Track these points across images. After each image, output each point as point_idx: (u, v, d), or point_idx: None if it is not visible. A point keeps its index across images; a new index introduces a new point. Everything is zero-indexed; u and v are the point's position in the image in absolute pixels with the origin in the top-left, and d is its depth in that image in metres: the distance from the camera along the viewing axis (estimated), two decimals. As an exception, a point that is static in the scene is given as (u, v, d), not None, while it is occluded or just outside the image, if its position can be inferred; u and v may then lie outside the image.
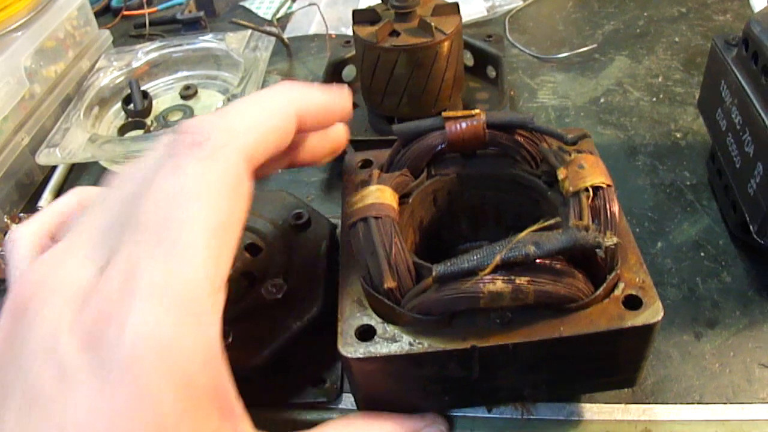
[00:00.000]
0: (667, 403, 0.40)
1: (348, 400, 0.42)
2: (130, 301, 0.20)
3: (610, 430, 0.39)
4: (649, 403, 0.40)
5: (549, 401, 0.37)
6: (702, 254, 0.49)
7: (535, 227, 0.30)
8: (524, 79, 0.69)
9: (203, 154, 0.24)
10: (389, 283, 0.30)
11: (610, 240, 0.30)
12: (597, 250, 0.30)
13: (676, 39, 0.73)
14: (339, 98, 0.31)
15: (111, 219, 0.24)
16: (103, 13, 1.00)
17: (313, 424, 0.33)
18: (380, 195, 0.34)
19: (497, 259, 0.28)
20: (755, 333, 0.44)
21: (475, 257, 0.29)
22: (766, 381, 0.41)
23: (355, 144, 0.46)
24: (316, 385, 0.42)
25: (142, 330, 0.19)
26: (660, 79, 0.67)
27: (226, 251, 0.23)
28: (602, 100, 0.65)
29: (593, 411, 0.40)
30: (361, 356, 0.30)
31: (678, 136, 0.60)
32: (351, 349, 0.31)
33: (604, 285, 0.31)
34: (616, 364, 0.33)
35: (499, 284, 0.29)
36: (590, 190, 0.33)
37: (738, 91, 0.47)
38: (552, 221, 0.30)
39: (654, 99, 0.65)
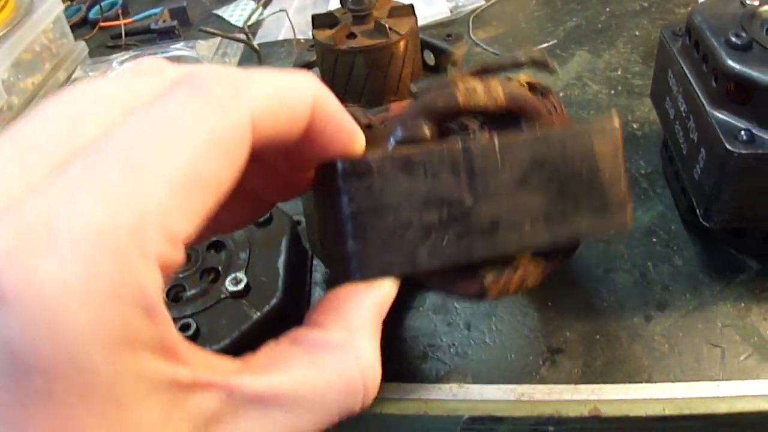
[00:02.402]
0: (616, 383, 0.42)
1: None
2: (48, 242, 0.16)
3: (560, 410, 0.40)
4: (598, 383, 0.42)
5: (551, 243, 0.32)
6: (654, 240, 0.51)
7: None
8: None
9: (206, 99, 0.19)
10: None
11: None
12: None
13: (637, 33, 0.75)
14: (353, 124, 0.26)
15: (67, 131, 0.19)
16: (81, 25, 1.01)
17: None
18: None
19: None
20: (705, 314, 0.45)
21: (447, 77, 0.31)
22: (714, 359, 0.43)
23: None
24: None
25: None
26: (619, 72, 0.69)
27: (193, 208, 0.19)
28: (561, 94, 0.66)
29: (544, 392, 0.41)
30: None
31: (635, 126, 0.61)
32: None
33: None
34: (601, 187, 0.33)
35: (471, 81, 0.31)
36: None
37: (683, 79, 0.49)
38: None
39: (612, 92, 0.66)
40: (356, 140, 0.26)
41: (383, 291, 0.26)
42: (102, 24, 0.97)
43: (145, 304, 0.16)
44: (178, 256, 0.18)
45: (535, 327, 0.46)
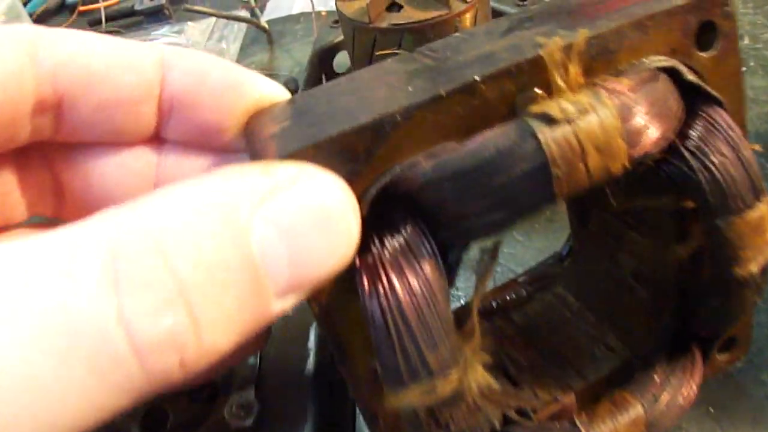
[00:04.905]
0: None
1: None
2: None
3: None
4: None
5: None
6: None
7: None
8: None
9: None
10: None
11: None
12: None
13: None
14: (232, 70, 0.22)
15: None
16: (59, 11, 0.86)
17: None
18: None
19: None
20: None
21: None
22: None
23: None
24: None
25: None
26: (746, 41, 0.51)
27: None
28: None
29: None
30: None
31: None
32: None
33: None
34: None
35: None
36: None
37: None
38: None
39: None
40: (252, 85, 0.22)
41: None
42: (81, 9, 0.82)
43: None
44: None
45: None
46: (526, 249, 0.37)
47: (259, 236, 0.16)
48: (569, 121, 0.18)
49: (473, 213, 0.19)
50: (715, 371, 0.30)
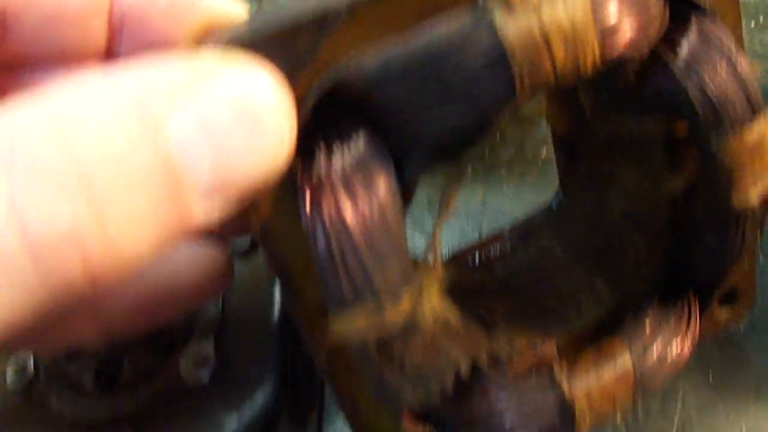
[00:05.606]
0: None
1: None
2: None
3: None
4: None
5: None
6: None
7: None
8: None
9: None
10: None
11: None
12: None
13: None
14: None
15: None
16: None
17: None
18: None
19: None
20: None
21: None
22: None
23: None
24: None
25: None
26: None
27: None
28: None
29: None
30: None
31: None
32: None
33: None
34: None
35: None
36: None
37: None
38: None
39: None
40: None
41: None
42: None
43: None
44: None
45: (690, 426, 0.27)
46: (514, 203, 0.35)
47: (177, 131, 0.14)
48: (533, 9, 0.16)
49: (425, 115, 0.17)
50: (715, 329, 0.27)
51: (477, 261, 0.29)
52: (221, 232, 0.24)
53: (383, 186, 0.17)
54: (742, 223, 0.21)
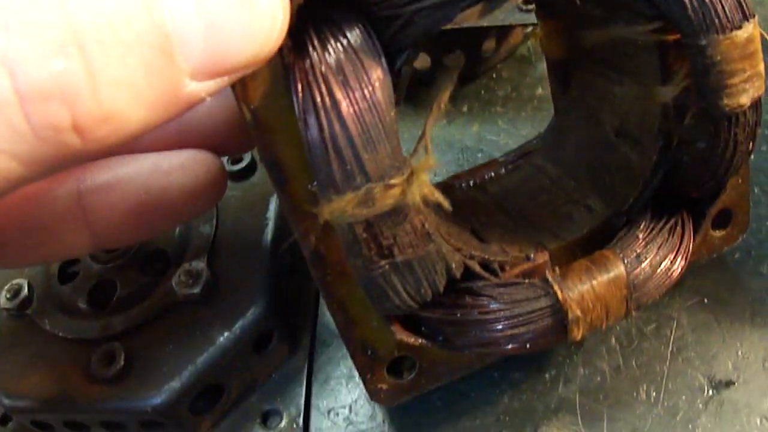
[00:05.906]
0: None
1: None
2: None
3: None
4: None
5: None
6: None
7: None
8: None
9: None
10: None
11: None
12: None
13: None
14: None
15: None
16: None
17: None
18: None
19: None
20: None
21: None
22: None
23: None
24: (267, 423, 0.26)
25: None
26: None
27: None
28: None
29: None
30: None
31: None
32: None
33: None
34: None
35: None
36: None
37: None
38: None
39: None
40: None
41: None
42: None
43: None
44: None
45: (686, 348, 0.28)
46: (510, 136, 0.35)
47: (172, 1, 0.14)
48: None
49: (417, 6, 0.17)
50: (710, 250, 0.27)
51: (471, 184, 0.29)
52: (217, 151, 0.24)
53: (375, 75, 0.17)
54: (734, 126, 0.21)
